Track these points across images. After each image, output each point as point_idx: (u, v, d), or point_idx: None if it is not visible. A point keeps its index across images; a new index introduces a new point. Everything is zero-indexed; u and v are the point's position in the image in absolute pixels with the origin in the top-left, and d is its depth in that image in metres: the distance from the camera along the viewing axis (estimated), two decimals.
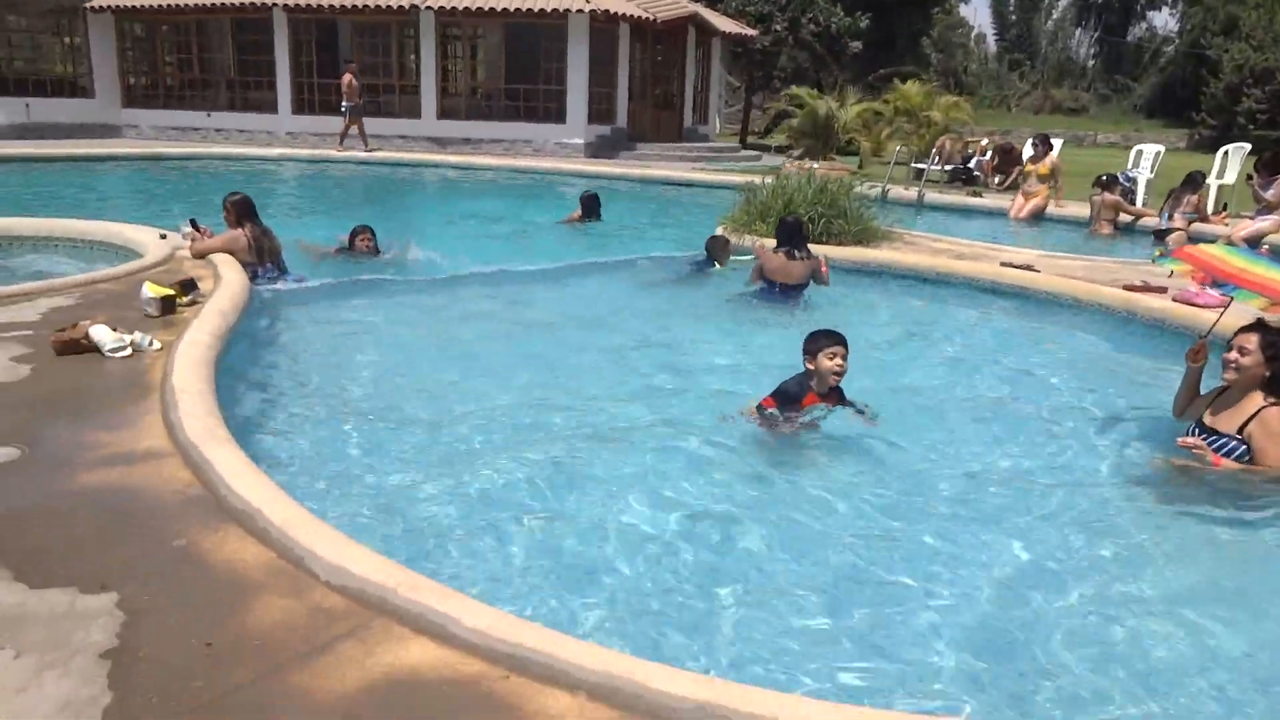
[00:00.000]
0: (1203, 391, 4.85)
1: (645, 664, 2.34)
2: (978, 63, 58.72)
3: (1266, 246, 10.54)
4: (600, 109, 21.71)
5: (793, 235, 7.75)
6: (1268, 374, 4.43)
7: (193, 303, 6.08)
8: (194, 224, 8.04)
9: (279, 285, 7.58)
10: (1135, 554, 3.79)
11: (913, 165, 17.53)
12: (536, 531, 3.66)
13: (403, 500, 3.89)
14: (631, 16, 20.83)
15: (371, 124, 21.66)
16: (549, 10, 20.11)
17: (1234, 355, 4.49)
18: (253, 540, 3.02)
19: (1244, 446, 4.38)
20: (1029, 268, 8.27)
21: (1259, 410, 4.40)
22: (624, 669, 2.30)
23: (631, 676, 2.28)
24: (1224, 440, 4.43)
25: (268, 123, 22.26)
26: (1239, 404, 4.49)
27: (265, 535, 3.02)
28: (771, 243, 8.01)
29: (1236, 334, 4.57)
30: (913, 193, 15.02)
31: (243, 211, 7.77)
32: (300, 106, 22.31)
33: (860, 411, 4.73)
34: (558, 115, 21.25)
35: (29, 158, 17.29)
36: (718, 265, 8.58)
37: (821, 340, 4.61)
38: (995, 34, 58.73)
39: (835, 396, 4.69)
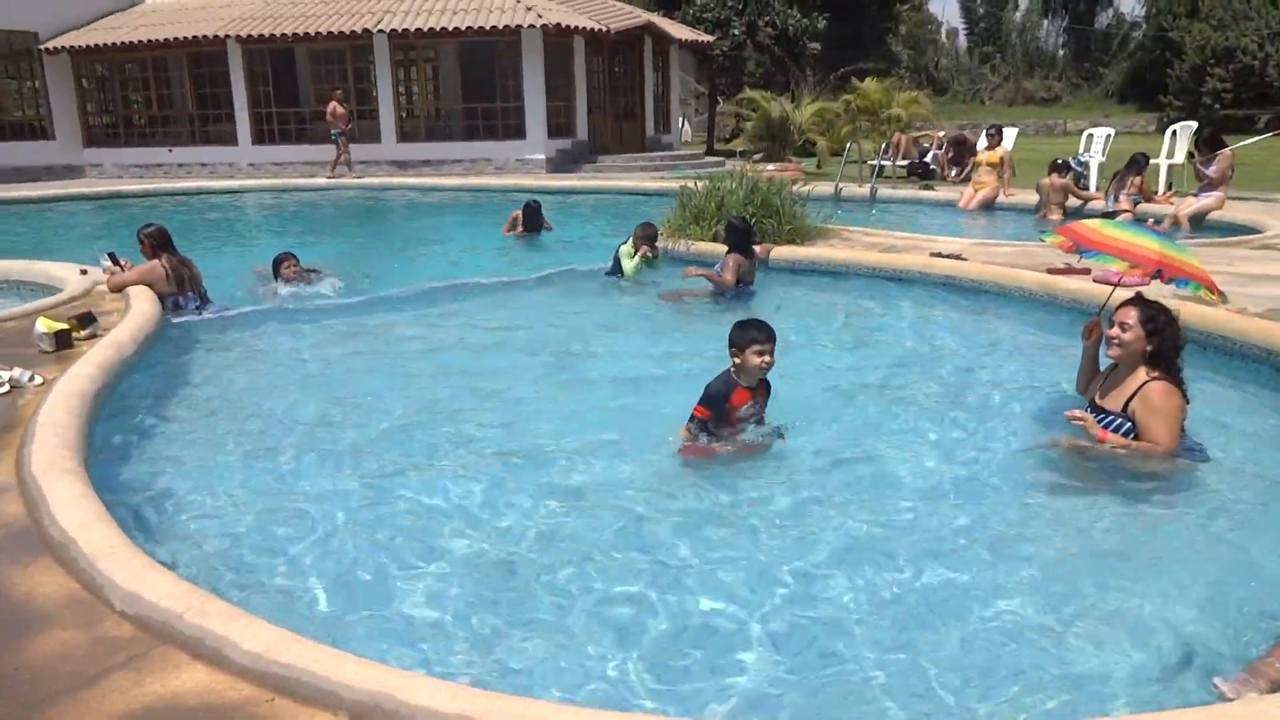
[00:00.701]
0: (1103, 369, 4.79)
1: (410, 678, 2.26)
2: (949, 58, 58.92)
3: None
4: (559, 123, 21.70)
5: (746, 240, 8.00)
6: (1149, 348, 4.36)
7: (92, 336, 6.01)
8: (112, 258, 7.97)
9: (200, 316, 7.54)
10: (1015, 532, 3.76)
11: (870, 163, 17.51)
12: (429, 566, 3.49)
13: (265, 531, 3.79)
14: (585, 29, 20.85)
15: (332, 150, 21.68)
16: (501, 27, 20.12)
17: (1115, 331, 4.42)
18: (61, 571, 2.95)
19: (1130, 423, 4.31)
20: (958, 257, 8.21)
21: (1141, 386, 4.33)
22: (388, 686, 2.22)
23: (393, 694, 2.20)
24: (1111, 418, 4.36)
25: (228, 155, 22.25)
26: (1125, 381, 4.43)
27: (74, 565, 2.94)
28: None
29: (1116, 310, 4.51)
30: (866, 189, 15.00)
31: (158, 243, 7.73)
32: (260, 137, 22.30)
33: (776, 432, 4.57)
34: (517, 132, 21.23)
35: None
36: (648, 255, 8.63)
37: (750, 332, 4.39)
38: (965, 28, 58.90)
39: (763, 390, 4.53)
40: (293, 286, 8.40)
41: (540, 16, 20.04)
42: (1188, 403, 4.34)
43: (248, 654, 2.39)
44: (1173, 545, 3.64)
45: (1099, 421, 4.37)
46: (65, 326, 5.83)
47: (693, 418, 4.43)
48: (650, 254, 8.70)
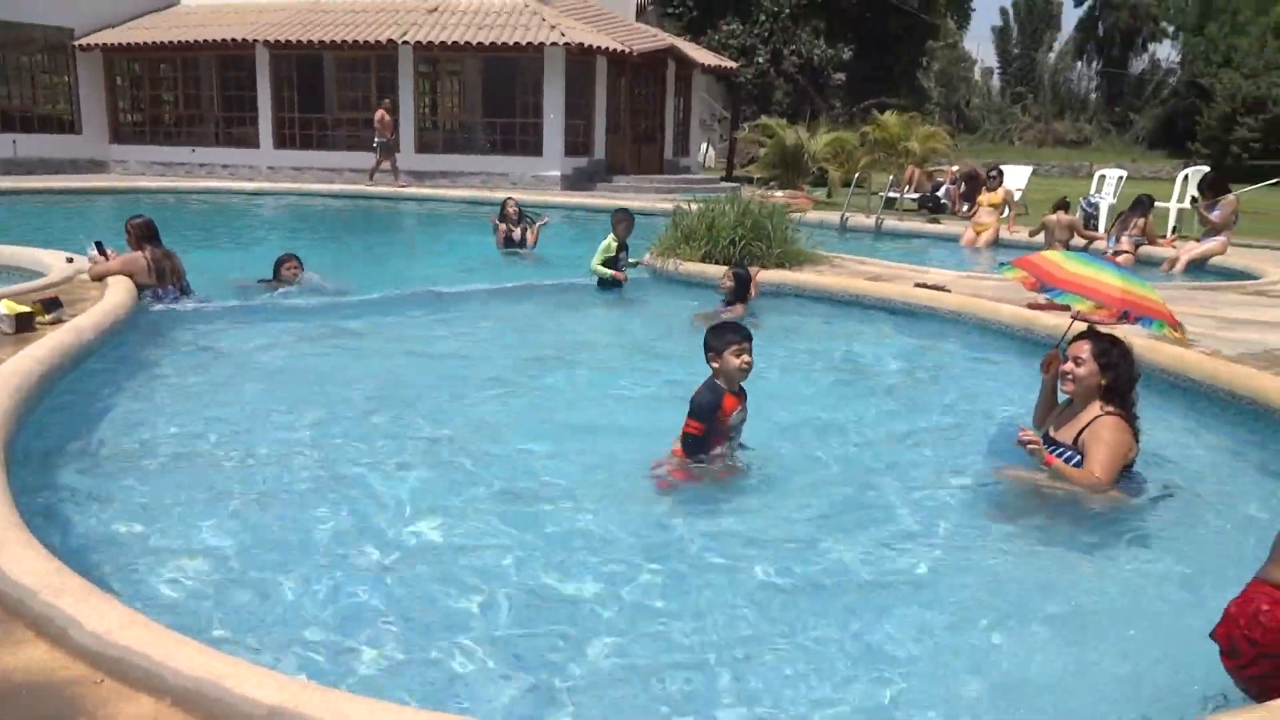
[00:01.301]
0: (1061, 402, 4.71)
1: (239, 667, 2.21)
2: (980, 96, 58.87)
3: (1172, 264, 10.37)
4: (577, 142, 21.79)
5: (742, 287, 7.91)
6: (1104, 382, 4.28)
7: (56, 321, 6.05)
8: (99, 247, 8.03)
9: (178, 305, 7.58)
10: (962, 560, 3.70)
11: (881, 194, 17.45)
12: (368, 577, 3.38)
13: (178, 526, 3.75)
14: (608, 50, 20.96)
15: (351, 158, 21.92)
16: (525, 44, 20.26)
17: (1069, 366, 4.35)
18: None
19: (1079, 456, 4.22)
20: (941, 288, 8.13)
21: (1093, 419, 4.25)
22: (216, 672, 2.18)
23: (219, 681, 2.15)
24: (1061, 450, 4.29)
25: (250, 157, 22.51)
26: (1078, 414, 4.35)
27: None
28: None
29: (1070, 344, 4.43)
30: (873, 220, 14.95)
31: (143, 234, 7.79)
32: (281, 141, 22.56)
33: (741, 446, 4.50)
34: (534, 148, 21.33)
35: (12, 190, 17.50)
36: (613, 239, 8.71)
37: (727, 335, 4.26)
38: (999, 67, 58.85)
39: (742, 396, 4.40)
40: (289, 287, 8.42)
41: (564, 35, 20.17)
42: (1137, 441, 4.25)
43: (90, 634, 2.35)
44: (1115, 581, 3.55)
45: (1053, 451, 4.30)
46: (28, 309, 5.86)
47: (684, 435, 4.26)
48: (620, 238, 8.72)
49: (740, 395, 4.37)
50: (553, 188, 20.65)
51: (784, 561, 3.56)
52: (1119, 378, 4.24)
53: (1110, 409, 4.24)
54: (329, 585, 3.23)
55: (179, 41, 22.00)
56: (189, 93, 23.69)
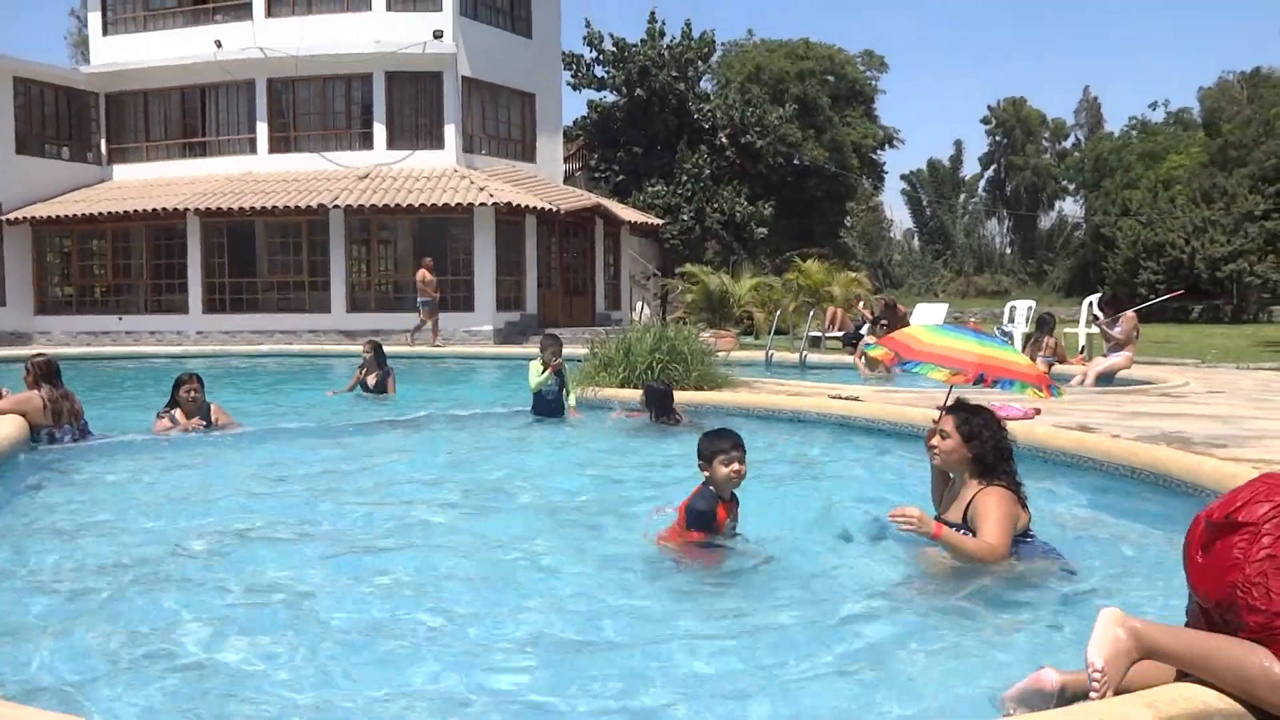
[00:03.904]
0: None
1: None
2: (901, 253, 61.64)
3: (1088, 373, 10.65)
4: (510, 296, 22.15)
5: (664, 400, 8.04)
6: (969, 454, 4.19)
7: None
8: None
9: (75, 445, 7.31)
10: (877, 648, 3.41)
11: (807, 334, 17.86)
12: None
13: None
14: (536, 208, 21.65)
15: (282, 319, 21.95)
16: (455, 205, 20.83)
17: (935, 440, 4.27)
18: None
19: (971, 533, 4.12)
20: (855, 399, 8.21)
21: (975, 494, 4.16)
22: None
23: None
24: (955, 529, 4.19)
25: (178, 323, 22.39)
26: (959, 493, 4.27)
27: None
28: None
29: (940, 418, 4.38)
30: (798, 355, 15.24)
31: (42, 374, 7.61)
32: (210, 306, 22.54)
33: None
34: (466, 304, 21.60)
35: None
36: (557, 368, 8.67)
37: (720, 443, 4.20)
38: (915, 227, 62.00)
39: (733, 503, 4.32)
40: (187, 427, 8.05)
41: (492, 196, 20.82)
42: (1026, 509, 4.17)
43: None
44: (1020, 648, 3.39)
45: None
46: None
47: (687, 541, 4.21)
48: (558, 366, 8.63)
49: (731, 502, 4.28)
50: (485, 341, 20.80)
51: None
52: (984, 445, 4.14)
53: (988, 481, 4.16)
54: None
55: (109, 213, 22.19)
56: (119, 263, 23.72)
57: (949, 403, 4.61)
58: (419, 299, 19.40)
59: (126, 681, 3.02)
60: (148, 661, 3.18)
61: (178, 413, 8.00)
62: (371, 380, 11.36)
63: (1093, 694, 2.41)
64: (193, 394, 8.08)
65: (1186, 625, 2.55)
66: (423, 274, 19.34)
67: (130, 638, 3.40)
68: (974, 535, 4.04)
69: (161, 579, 4.13)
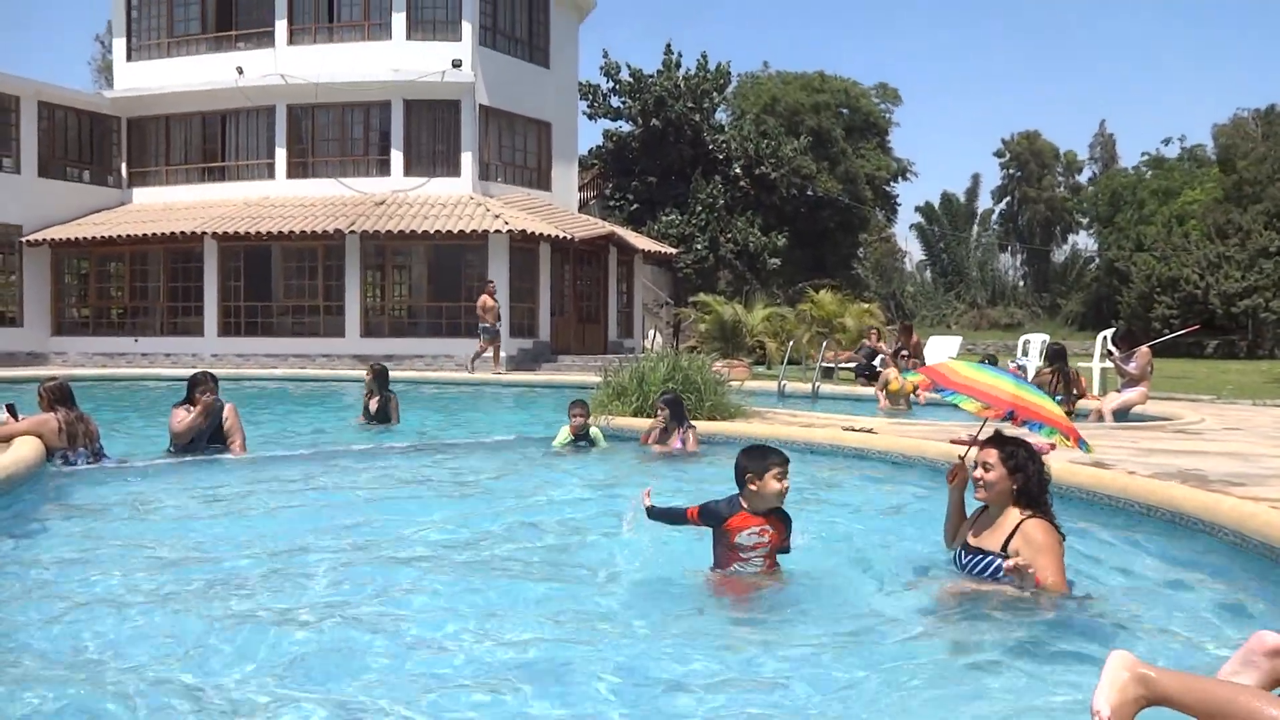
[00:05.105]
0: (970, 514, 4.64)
1: None
2: (915, 286, 61.60)
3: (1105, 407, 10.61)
4: (523, 323, 22.22)
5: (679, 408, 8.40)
6: (1015, 486, 4.27)
7: None
8: (11, 410, 7.84)
9: (87, 466, 7.33)
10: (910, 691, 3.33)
11: (820, 365, 17.83)
12: None
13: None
14: (550, 236, 21.77)
15: (297, 343, 22.08)
16: (470, 232, 20.98)
17: (979, 473, 4.35)
18: None
19: (1003, 560, 4.14)
20: (869, 431, 8.19)
21: (1018, 525, 4.20)
22: None
23: None
24: (990, 558, 4.22)
25: (194, 345, 22.51)
26: (997, 520, 4.32)
27: None
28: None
29: (980, 451, 4.43)
30: (811, 386, 15.22)
31: (56, 397, 7.65)
32: (226, 329, 22.69)
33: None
34: (479, 331, 21.66)
35: None
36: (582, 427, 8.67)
37: (773, 457, 4.17)
38: (927, 261, 61.99)
39: (777, 518, 4.26)
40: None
41: (507, 224, 20.97)
42: (1064, 539, 4.20)
43: None
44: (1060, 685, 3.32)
45: (973, 561, 4.23)
46: None
47: (686, 513, 4.30)
48: (579, 428, 8.60)
49: (763, 516, 4.22)
50: (499, 368, 20.84)
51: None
52: (1029, 478, 4.25)
53: (1030, 512, 4.21)
54: None
55: (128, 236, 22.43)
56: (136, 285, 23.94)
57: (980, 435, 4.63)
58: (480, 325, 19.25)
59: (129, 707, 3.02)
60: (149, 689, 3.17)
61: (195, 407, 8.01)
62: (373, 406, 10.72)
63: None
64: (207, 395, 8.07)
65: None
66: (484, 300, 19.22)
67: (133, 664, 3.40)
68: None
69: (168, 603, 4.13)
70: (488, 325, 19.19)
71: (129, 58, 25.16)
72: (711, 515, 4.22)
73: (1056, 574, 4.03)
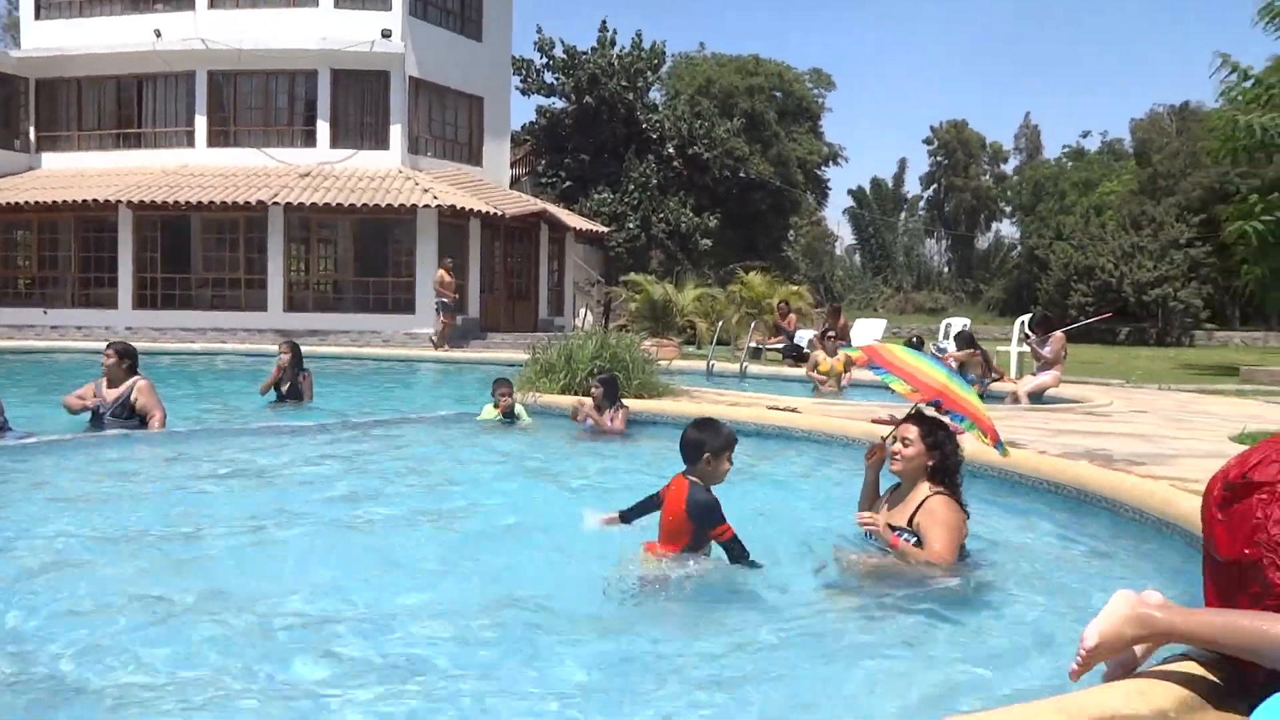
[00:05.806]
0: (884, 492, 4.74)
1: None
2: (844, 270, 62.61)
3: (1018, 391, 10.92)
4: (452, 300, 21.92)
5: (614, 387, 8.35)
6: (930, 463, 4.36)
7: None
8: None
9: None
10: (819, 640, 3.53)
11: (748, 346, 17.98)
12: None
13: None
14: (480, 212, 21.51)
15: (217, 317, 21.47)
16: (398, 206, 20.61)
17: (898, 447, 4.43)
18: None
19: (916, 537, 4.24)
20: (792, 410, 8.29)
21: (924, 499, 4.30)
22: None
23: None
24: (898, 532, 4.29)
25: (107, 318, 21.69)
26: (907, 496, 4.41)
27: None
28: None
29: (898, 426, 4.52)
30: (739, 366, 15.35)
31: None
32: (141, 301, 21.96)
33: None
34: (407, 306, 21.39)
35: None
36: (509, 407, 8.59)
37: (731, 436, 4.10)
38: (857, 244, 63.01)
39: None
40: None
41: (436, 198, 20.65)
42: (968, 517, 4.31)
43: None
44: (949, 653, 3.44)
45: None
46: None
47: (731, 542, 4.07)
48: (507, 406, 8.53)
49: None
50: (426, 345, 20.57)
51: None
52: (945, 457, 4.35)
53: (939, 489, 4.31)
54: None
55: (37, 203, 21.51)
56: (45, 254, 22.99)
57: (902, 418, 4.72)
58: (437, 300, 19.17)
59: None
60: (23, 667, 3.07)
61: (101, 382, 7.78)
62: (284, 386, 10.01)
63: (1072, 666, 2.42)
64: (106, 361, 7.79)
65: (1205, 586, 2.53)
66: (441, 275, 19.19)
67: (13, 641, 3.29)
68: (918, 538, 4.18)
69: (63, 580, 3.99)
70: (446, 300, 19.14)
71: (37, 15, 24.04)
72: (720, 509, 4.08)
73: (945, 546, 4.09)
